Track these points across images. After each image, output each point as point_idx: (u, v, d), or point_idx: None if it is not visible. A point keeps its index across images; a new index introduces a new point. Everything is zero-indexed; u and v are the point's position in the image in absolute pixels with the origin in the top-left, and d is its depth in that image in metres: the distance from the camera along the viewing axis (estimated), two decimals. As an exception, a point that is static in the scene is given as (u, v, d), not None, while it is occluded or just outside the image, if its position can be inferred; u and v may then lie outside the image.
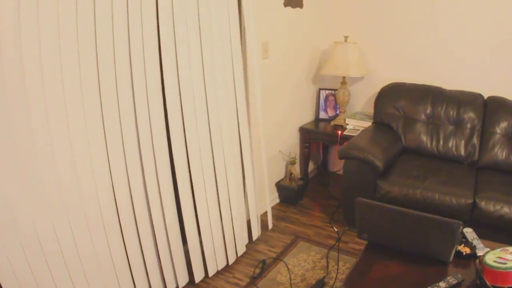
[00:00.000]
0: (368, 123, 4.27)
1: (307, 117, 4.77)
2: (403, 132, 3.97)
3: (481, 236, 2.49)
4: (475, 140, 3.70)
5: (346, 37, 4.27)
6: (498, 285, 1.84)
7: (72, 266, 2.29)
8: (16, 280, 2.03)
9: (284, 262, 3.34)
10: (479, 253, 2.24)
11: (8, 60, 1.81)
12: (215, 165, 3.06)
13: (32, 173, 2.01)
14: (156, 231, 2.74)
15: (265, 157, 3.64)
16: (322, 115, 4.82)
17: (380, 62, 4.48)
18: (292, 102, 4.39)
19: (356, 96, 4.76)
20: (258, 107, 3.38)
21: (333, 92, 4.73)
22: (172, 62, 2.57)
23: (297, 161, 4.73)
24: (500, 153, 3.54)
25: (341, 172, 4.65)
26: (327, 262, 3.32)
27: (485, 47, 3.84)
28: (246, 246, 3.56)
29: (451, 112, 3.81)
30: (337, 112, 4.74)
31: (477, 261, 2.05)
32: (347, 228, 3.83)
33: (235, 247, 3.38)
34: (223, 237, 3.25)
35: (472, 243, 2.31)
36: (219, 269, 3.25)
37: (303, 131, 4.58)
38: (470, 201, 3.09)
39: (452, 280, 2.01)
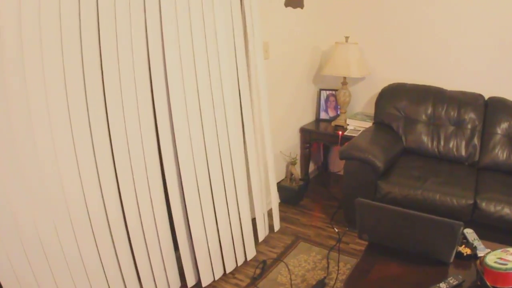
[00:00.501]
0: (368, 124, 4.27)
1: (307, 118, 4.77)
2: (404, 132, 3.97)
3: (481, 237, 2.48)
4: (475, 140, 3.69)
5: (347, 38, 4.26)
6: (498, 286, 1.84)
7: (73, 267, 2.30)
8: (17, 281, 2.03)
9: (284, 262, 3.34)
10: (480, 254, 2.24)
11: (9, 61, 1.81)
12: (222, 168, 3.06)
13: (33, 173, 2.01)
14: (161, 235, 2.75)
15: (271, 160, 3.64)
16: (323, 115, 4.82)
17: (380, 62, 4.48)
18: (292, 102, 4.39)
19: (356, 97, 4.76)
20: (263, 108, 3.37)
21: (333, 92, 4.73)
22: (176, 65, 2.57)
23: (298, 161, 4.73)
24: (501, 153, 3.54)
25: (341, 173, 4.66)
26: (328, 263, 3.32)
27: (486, 48, 3.83)
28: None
29: (452, 113, 3.81)
30: (338, 112, 4.74)
31: (478, 262, 2.05)
32: (347, 228, 3.83)
33: (244, 249, 3.39)
34: (231, 239, 3.24)
35: (472, 244, 2.31)
36: (227, 272, 3.25)
37: (304, 131, 4.58)
38: (471, 201, 3.09)
39: (452, 281, 2.00)
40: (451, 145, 3.76)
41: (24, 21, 1.83)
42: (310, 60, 4.59)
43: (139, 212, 2.59)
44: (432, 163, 3.68)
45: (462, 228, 2.04)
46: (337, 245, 3.57)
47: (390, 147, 3.67)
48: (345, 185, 3.65)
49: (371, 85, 4.63)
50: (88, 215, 2.31)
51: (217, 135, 2.97)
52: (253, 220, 3.71)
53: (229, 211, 3.18)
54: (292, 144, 4.55)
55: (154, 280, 2.82)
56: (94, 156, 2.28)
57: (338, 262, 3.32)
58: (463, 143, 3.73)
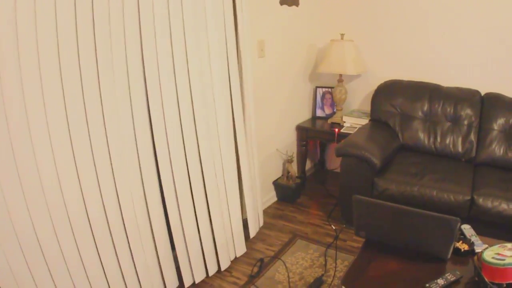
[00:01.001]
0: (365, 121, 4.27)
1: (304, 115, 4.77)
2: (400, 129, 3.96)
3: (479, 232, 2.49)
4: (472, 136, 3.69)
5: (342, 35, 4.26)
6: (496, 282, 1.84)
7: (73, 269, 2.29)
8: (16, 285, 2.03)
9: (282, 260, 3.33)
10: (477, 249, 2.24)
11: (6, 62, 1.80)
12: (213, 165, 3.06)
13: (31, 176, 2.00)
14: (157, 234, 2.74)
15: (258, 154, 3.64)
16: (319, 113, 4.81)
17: (376, 59, 4.48)
18: (289, 100, 4.38)
19: (353, 94, 4.75)
20: (251, 106, 3.37)
21: (329, 90, 4.72)
22: (168, 62, 2.56)
23: (295, 159, 4.73)
24: (497, 149, 3.54)
25: (338, 170, 4.65)
26: (325, 260, 3.32)
27: (481, 44, 3.83)
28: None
29: (448, 109, 3.81)
30: (334, 110, 4.73)
31: (476, 257, 2.05)
32: (344, 226, 3.83)
33: (234, 247, 3.38)
34: (223, 236, 3.25)
35: (470, 240, 2.32)
36: (223, 269, 3.26)
37: (300, 129, 4.58)
38: (468, 197, 3.09)
39: (450, 277, 2.00)
40: (447, 141, 3.76)
41: (19, 22, 1.81)
42: (306, 57, 4.58)
43: (135, 212, 2.58)
44: (429, 160, 3.68)
45: (459, 224, 2.04)
46: (335, 242, 3.57)
47: (387, 144, 3.67)
48: (342, 182, 3.64)
49: (367, 82, 4.62)
50: (87, 215, 2.30)
51: (209, 134, 2.97)
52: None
53: (221, 210, 3.20)
54: (288, 142, 4.54)
55: (151, 280, 2.83)
56: (93, 157, 2.27)
57: (336, 259, 3.32)
58: (460, 139, 3.73)
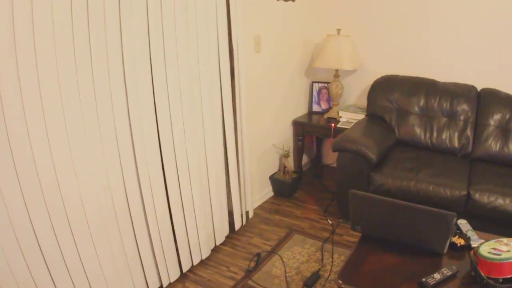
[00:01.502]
0: (361, 116, 4.27)
1: (300, 110, 4.77)
2: (397, 124, 3.97)
3: (475, 227, 2.50)
4: (468, 132, 3.70)
5: (338, 30, 4.26)
6: (493, 276, 1.85)
7: (72, 267, 2.29)
8: (16, 283, 2.03)
9: (279, 255, 3.34)
10: (474, 244, 2.25)
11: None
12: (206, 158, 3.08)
13: (29, 173, 2.00)
14: (150, 227, 2.75)
15: (253, 149, 3.64)
16: (315, 108, 4.81)
17: (373, 54, 4.48)
18: (285, 95, 4.38)
19: (349, 89, 4.76)
20: (243, 102, 3.38)
21: (326, 85, 4.72)
22: (159, 56, 2.57)
23: (291, 154, 4.73)
24: (494, 145, 3.55)
25: (335, 165, 4.66)
26: (322, 255, 3.33)
27: (478, 39, 3.84)
28: (235, 238, 3.58)
29: (445, 104, 3.81)
30: (330, 105, 4.74)
31: (472, 252, 2.06)
32: (341, 220, 3.84)
33: (214, 238, 3.44)
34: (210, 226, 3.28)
35: (466, 235, 2.33)
36: (203, 258, 3.29)
37: (297, 124, 4.58)
38: (464, 192, 3.10)
39: (446, 271, 2.01)
40: (444, 137, 3.77)
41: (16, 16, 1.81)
42: (302, 53, 4.58)
43: (129, 208, 2.60)
44: (425, 155, 3.68)
45: (455, 219, 2.05)
46: (331, 237, 3.58)
47: (383, 139, 3.68)
48: (339, 177, 3.65)
49: (363, 77, 4.63)
50: (84, 212, 2.31)
51: (199, 129, 2.98)
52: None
53: (204, 202, 3.24)
54: (285, 137, 4.54)
55: (157, 268, 2.87)
56: (91, 152, 2.28)
57: (332, 254, 3.33)
58: (456, 135, 3.74)
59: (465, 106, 3.74)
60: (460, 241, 2.26)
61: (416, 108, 3.92)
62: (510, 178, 3.21)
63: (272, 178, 4.38)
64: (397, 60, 4.34)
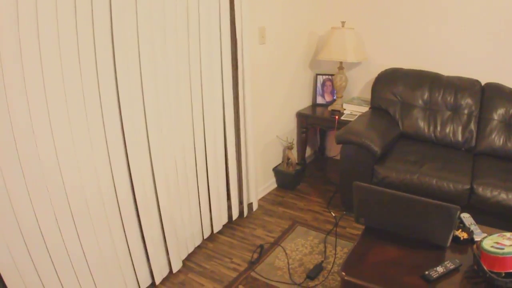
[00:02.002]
0: (365, 108, 4.28)
1: (304, 102, 4.77)
2: (400, 117, 3.97)
3: (478, 221, 2.51)
4: (472, 126, 3.70)
5: (343, 23, 4.25)
6: (495, 271, 1.86)
7: (74, 258, 2.31)
8: (18, 273, 2.04)
9: (282, 247, 3.35)
10: (477, 238, 2.26)
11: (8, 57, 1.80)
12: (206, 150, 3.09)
13: (33, 164, 2.01)
14: (151, 218, 2.77)
15: (257, 142, 3.66)
16: (319, 100, 4.82)
17: (377, 47, 4.47)
18: (289, 87, 4.38)
19: (353, 82, 4.76)
20: (247, 92, 3.39)
21: (330, 77, 4.72)
22: (158, 47, 2.58)
23: (295, 146, 4.74)
24: (497, 139, 3.55)
25: (338, 158, 4.67)
26: (325, 247, 3.34)
27: (483, 34, 3.83)
28: (238, 229, 3.60)
29: (449, 98, 3.81)
30: (334, 97, 4.74)
31: (475, 246, 2.07)
32: (345, 212, 3.85)
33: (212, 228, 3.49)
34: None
35: (469, 228, 2.33)
36: (196, 245, 3.36)
37: (300, 116, 4.58)
38: (468, 186, 3.11)
39: (449, 264, 2.02)
40: (447, 130, 3.77)
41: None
42: (306, 45, 4.58)
43: (134, 196, 2.61)
44: (429, 148, 3.69)
45: (459, 212, 2.06)
46: (334, 229, 3.59)
47: (387, 131, 3.68)
48: (342, 169, 3.66)
49: (367, 70, 4.62)
50: (87, 203, 2.32)
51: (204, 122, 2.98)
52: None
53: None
54: (289, 128, 4.55)
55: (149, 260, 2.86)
56: (108, 147, 2.29)
57: (336, 246, 3.34)
58: (460, 129, 3.74)
59: (469, 100, 3.74)
60: (463, 235, 2.26)
61: (420, 102, 3.92)
62: (513, 173, 3.22)
63: (276, 170, 4.39)
64: (402, 53, 4.33)
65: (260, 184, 4.19)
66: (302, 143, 4.67)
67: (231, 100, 3.29)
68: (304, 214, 3.86)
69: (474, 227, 2.37)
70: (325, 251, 3.28)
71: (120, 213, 2.57)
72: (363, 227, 2.44)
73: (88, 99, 2.20)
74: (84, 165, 2.25)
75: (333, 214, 3.85)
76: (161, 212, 2.84)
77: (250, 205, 3.86)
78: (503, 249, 1.87)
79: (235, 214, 3.72)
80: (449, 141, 3.76)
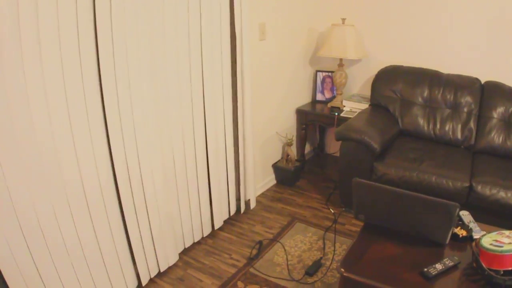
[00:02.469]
0: (365, 106, 4.28)
1: (304, 99, 4.77)
2: (400, 114, 3.98)
3: (477, 219, 2.51)
4: (471, 124, 3.71)
5: (343, 20, 4.25)
6: (494, 268, 1.87)
7: (72, 250, 2.31)
8: (16, 266, 2.04)
9: (280, 243, 3.36)
10: (475, 236, 2.27)
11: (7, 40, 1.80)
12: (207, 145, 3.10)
13: (32, 156, 2.01)
14: (149, 211, 2.79)
15: (256, 139, 3.68)
16: (319, 97, 4.82)
17: (377, 44, 4.47)
18: (289, 83, 4.38)
19: (353, 79, 4.76)
20: (247, 90, 3.39)
21: (330, 74, 4.72)
22: (160, 43, 2.59)
23: (294, 142, 4.74)
24: (496, 137, 3.56)
25: (337, 154, 4.67)
26: (324, 243, 3.35)
27: (483, 32, 3.83)
28: (237, 225, 3.60)
29: (448, 96, 3.82)
30: (334, 94, 4.74)
31: (474, 243, 2.08)
32: (344, 209, 3.85)
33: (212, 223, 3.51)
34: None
35: (468, 226, 2.34)
36: (195, 241, 3.37)
37: (300, 112, 4.59)
38: (467, 184, 3.11)
39: (448, 262, 2.03)
40: (447, 128, 3.77)
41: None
42: (306, 41, 4.58)
43: (132, 190, 2.62)
44: (428, 146, 3.69)
45: (458, 210, 2.06)
46: (333, 225, 3.60)
47: (386, 129, 3.69)
48: (341, 166, 3.66)
49: (367, 67, 4.62)
50: (85, 195, 2.33)
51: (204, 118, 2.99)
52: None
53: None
54: (288, 125, 4.55)
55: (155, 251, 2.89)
56: (109, 140, 2.29)
57: (334, 242, 3.35)
58: (459, 126, 3.74)
59: (468, 98, 3.74)
60: (462, 232, 2.27)
61: (420, 99, 3.92)
62: (512, 171, 3.23)
63: (275, 166, 4.40)
64: (402, 51, 4.33)
65: (259, 180, 4.20)
66: (302, 139, 4.68)
67: (230, 96, 3.30)
68: (303, 211, 3.87)
69: (473, 225, 2.37)
70: (324, 248, 3.29)
71: (121, 206, 2.60)
72: (362, 223, 2.45)
73: (88, 92, 2.21)
74: (84, 159, 2.26)
75: (332, 211, 3.85)
76: (159, 208, 2.85)
77: (247, 202, 3.86)
78: (501, 246, 1.88)
79: (233, 210, 3.72)
80: (449, 139, 3.77)
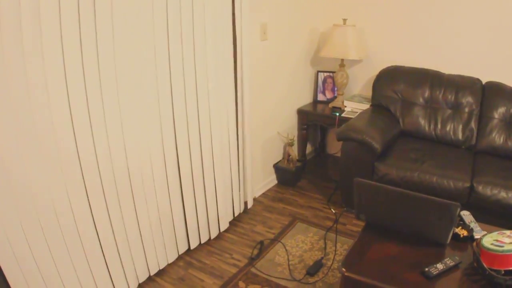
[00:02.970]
0: (366, 106, 4.28)
1: (305, 99, 4.77)
2: (401, 115, 3.98)
3: (477, 219, 2.51)
4: (473, 124, 3.71)
5: (345, 20, 4.25)
6: (495, 268, 1.87)
7: (70, 244, 2.32)
8: (16, 261, 2.05)
9: (282, 243, 3.37)
10: (476, 236, 2.27)
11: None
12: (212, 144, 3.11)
13: (50, 148, 2.05)
14: (149, 209, 2.80)
15: (255, 140, 3.68)
16: (320, 97, 4.82)
17: (378, 45, 4.48)
18: (290, 84, 4.39)
19: (354, 79, 4.76)
20: (246, 92, 3.40)
21: (331, 74, 4.73)
22: (164, 46, 2.61)
23: (295, 142, 4.74)
24: (497, 138, 3.56)
25: (339, 155, 4.68)
26: (325, 243, 3.35)
27: (484, 33, 3.83)
28: (238, 225, 3.61)
29: (449, 96, 3.82)
30: (335, 94, 4.74)
31: (474, 243, 2.08)
32: (345, 209, 3.85)
33: (219, 224, 3.50)
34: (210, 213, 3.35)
35: (469, 226, 2.34)
36: (202, 242, 3.37)
37: (301, 113, 4.59)
38: (468, 184, 3.12)
39: (449, 261, 2.03)
40: (448, 129, 3.78)
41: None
42: (308, 41, 4.58)
43: (129, 179, 2.63)
44: (429, 146, 3.69)
45: (459, 210, 2.07)
46: (335, 226, 3.60)
47: (388, 129, 3.69)
48: (342, 166, 3.66)
49: (368, 67, 4.63)
50: (86, 194, 2.33)
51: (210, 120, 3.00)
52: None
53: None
54: (289, 125, 4.56)
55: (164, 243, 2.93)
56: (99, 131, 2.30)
57: (336, 242, 3.35)
58: (460, 127, 3.74)
59: (469, 99, 3.74)
60: (463, 232, 2.27)
61: (421, 99, 3.93)
62: (513, 171, 3.23)
63: (276, 166, 4.40)
64: (403, 51, 4.33)
65: (260, 180, 4.20)
66: (303, 139, 4.68)
67: (233, 99, 3.31)
68: (304, 211, 3.87)
69: (474, 225, 2.38)
70: (325, 248, 3.30)
71: (133, 195, 2.62)
72: (363, 223, 2.45)
73: (104, 85, 2.25)
74: (84, 157, 2.27)
75: (333, 211, 3.86)
76: (159, 207, 2.87)
77: (245, 203, 3.86)
78: (502, 246, 1.88)
79: (237, 211, 3.73)
80: (450, 139, 3.77)
